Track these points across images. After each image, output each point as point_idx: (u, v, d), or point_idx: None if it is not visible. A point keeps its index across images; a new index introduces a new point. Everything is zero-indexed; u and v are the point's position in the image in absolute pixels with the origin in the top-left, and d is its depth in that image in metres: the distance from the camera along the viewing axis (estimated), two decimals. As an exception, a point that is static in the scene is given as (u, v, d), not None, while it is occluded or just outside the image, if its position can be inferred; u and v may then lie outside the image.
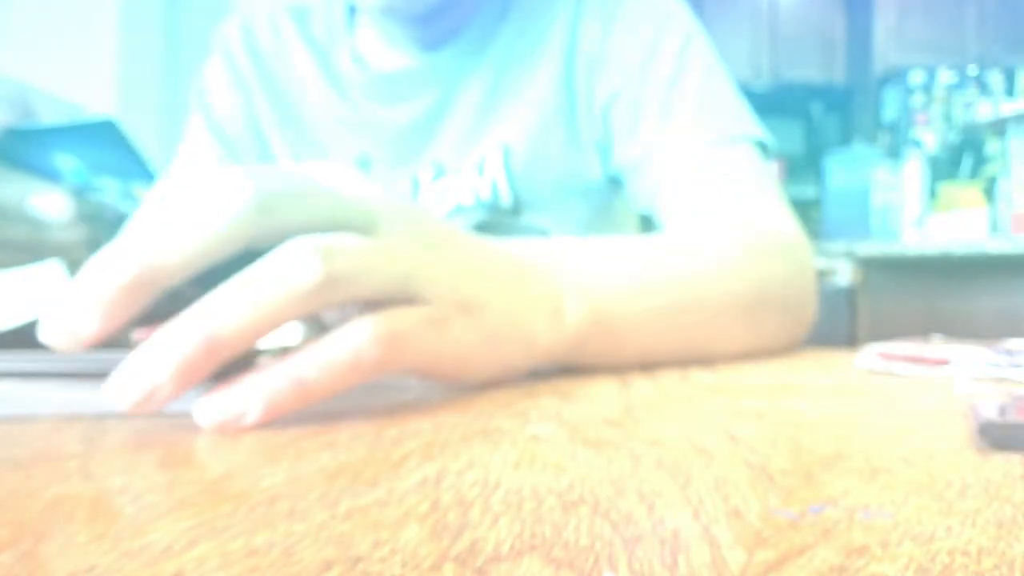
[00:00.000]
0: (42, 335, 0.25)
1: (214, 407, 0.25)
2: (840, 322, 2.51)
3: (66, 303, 0.25)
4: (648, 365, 0.44)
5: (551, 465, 0.20)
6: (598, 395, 0.32)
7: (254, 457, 0.21)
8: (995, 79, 3.28)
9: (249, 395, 0.25)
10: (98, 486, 0.18)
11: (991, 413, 0.24)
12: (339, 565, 0.13)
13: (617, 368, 0.42)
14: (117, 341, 0.26)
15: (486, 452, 0.22)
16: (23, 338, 0.28)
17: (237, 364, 0.30)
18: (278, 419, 0.26)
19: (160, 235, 0.25)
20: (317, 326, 0.36)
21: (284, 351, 0.28)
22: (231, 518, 0.16)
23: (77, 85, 2.31)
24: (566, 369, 0.42)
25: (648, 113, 0.65)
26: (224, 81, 0.78)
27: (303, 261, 0.26)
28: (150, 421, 0.27)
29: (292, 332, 0.38)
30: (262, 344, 0.27)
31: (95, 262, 0.25)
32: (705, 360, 0.47)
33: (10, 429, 0.25)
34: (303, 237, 0.27)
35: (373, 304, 0.29)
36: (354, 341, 0.27)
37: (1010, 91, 3.26)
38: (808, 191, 3.41)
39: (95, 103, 2.31)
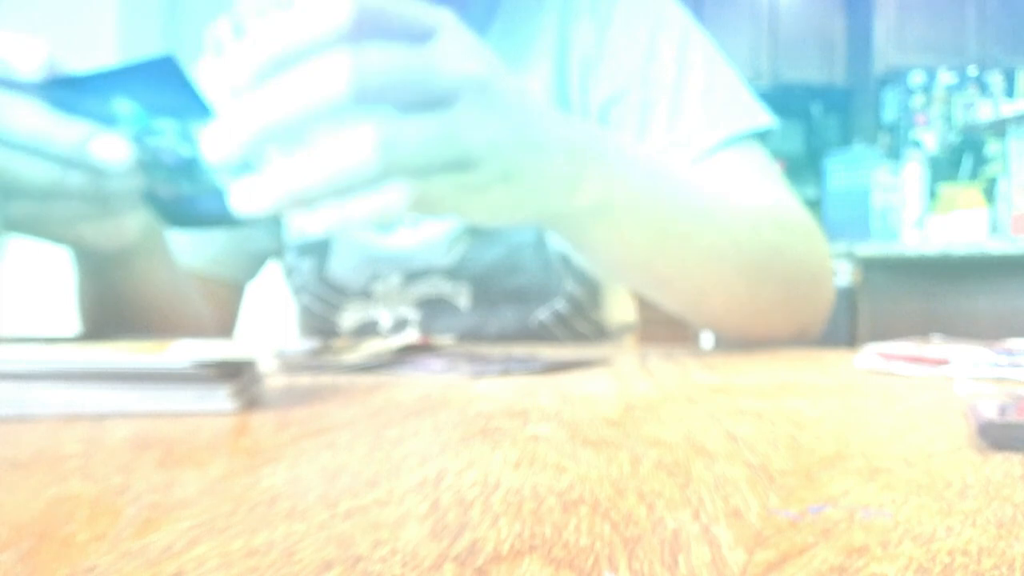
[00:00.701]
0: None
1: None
2: (840, 322, 2.51)
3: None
4: (639, 277, 0.49)
5: (551, 465, 0.20)
6: (598, 395, 0.32)
7: (254, 457, 0.21)
8: (995, 79, 3.28)
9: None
10: (98, 486, 0.18)
11: (991, 413, 0.24)
12: (339, 565, 0.13)
13: (613, 269, 0.47)
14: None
15: (486, 452, 0.22)
16: None
17: (239, 365, 0.30)
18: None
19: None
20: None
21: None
22: (231, 518, 0.16)
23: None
24: (566, 368, 0.42)
25: (656, 115, 0.65)
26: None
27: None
28: (150, 421, 0.27)
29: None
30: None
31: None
32: (698, 302, 0.50)
33: (10, 429, 0.25)
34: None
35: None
36: (357, 137, 0.33)
37: (1010, 91, 3.26)
38: (808, 191, 3.40)
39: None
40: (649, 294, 0.52)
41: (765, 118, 0.65)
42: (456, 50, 0.35)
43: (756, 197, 0.60)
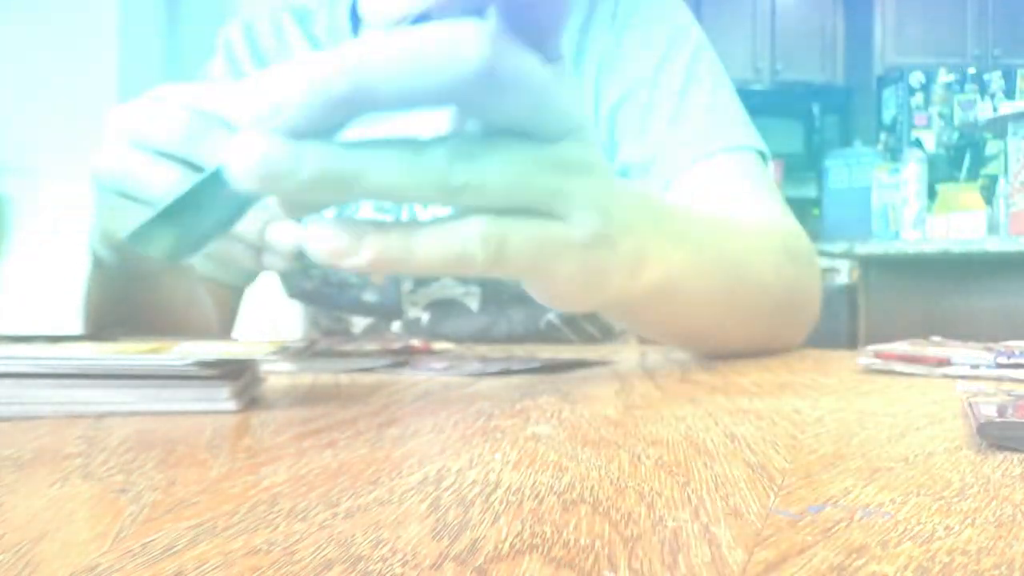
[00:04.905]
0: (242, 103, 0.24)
1: (327, 236, 0.25)
2: (840, 322, 2.50)
3: (269, 77, 0.24)
4: (681, 342, 0.47)
5: (551, 464, 0.20)
6: (598, 395, 0.32)
7: (254, 457, 0.21)
8: (995, 79, 3.28)
9: (363, 239, 0.26)
10: (98, 486, 0.18)
11: (991, 413, 0.24)
12: (340, 564, 0.13)
13: (659, 337, 0.44)
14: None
15: (486, 451, 0.22)
16: None
17: (240, 365, 0.30)
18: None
19: (378, 50, 0.24)
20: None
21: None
22: (231, 518, 0.16)
23: (78, 85, 2.31)
24: (566, 368, 0.42)
25: (659, 116, 0.66)
26: (226, 81, 0.78)
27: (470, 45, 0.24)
28: (151, 421, 0.27)
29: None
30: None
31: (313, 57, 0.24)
32: (723, 351, 0.48)
33: (10, 429, 0.25)
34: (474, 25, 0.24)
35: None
36: (463, 234, 0.27)
37: (1010, 91, 3.26)
38: (808, 191, 3.41)
39: (96, 103, 2.31)
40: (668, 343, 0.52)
41: (759, 143, 0.66)
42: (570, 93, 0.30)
43: (759, 213, 0.60)
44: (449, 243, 0.27)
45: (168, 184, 0.39)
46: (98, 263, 0.53)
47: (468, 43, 0.24)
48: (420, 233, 0.27)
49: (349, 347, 0.45)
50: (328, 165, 0.25)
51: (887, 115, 3.46)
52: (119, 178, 0.39)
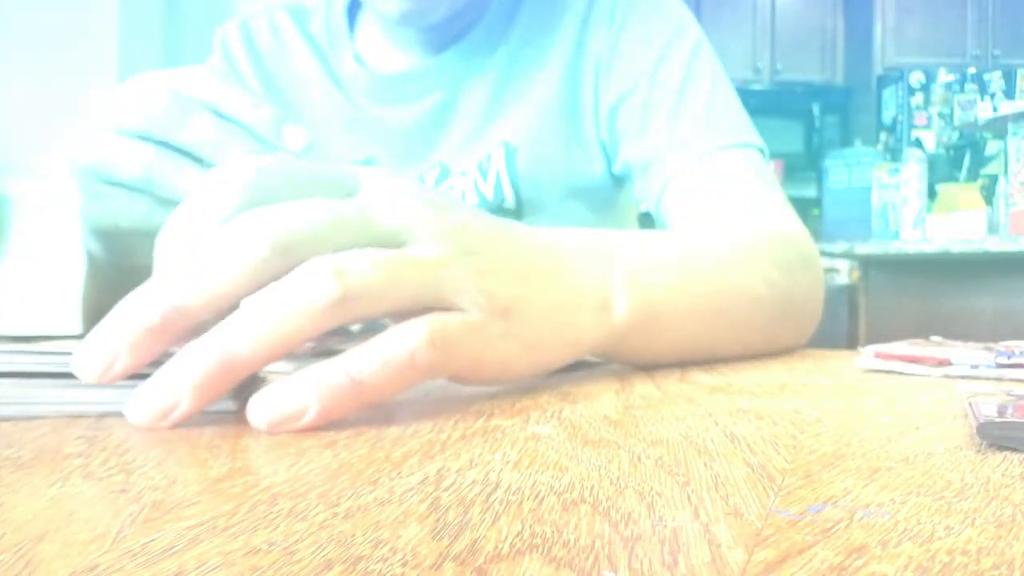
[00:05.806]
0: (74, 369, 0.26)
1: (269, 405, 0.25)
2: (840, 322, 2.51)
3: (96, 341, 0.26)
4: (678, 362, 0.45)
5: (551, 464, 0.20)
6: (598, 395, 0.32)
7: (254, 457, 0.21)
8: (995, 79, 3.28)
9: (306, 393, 0.25)
10: (98, 486, 0.18)
11: (991, 413, 0.24)
12: (340, 564, 0.13)
13: (651, 363, 0.42)
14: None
15: (486, 451, 0.22)
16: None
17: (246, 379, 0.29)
18: (335, 421, 0.25)
19: (183, 280, 0.26)
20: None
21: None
22: (231, 518, 0.16)
23: (77, 85, 2.31)
24: (567, 369, 0.42)
25: (659, 113, 0.66)
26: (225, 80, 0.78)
27: (317, 281, 0.26)
28: (150, 421, 0.27)
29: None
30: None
31: (124, 303, 0.27)
32: (724, 360, 0.47)
33: (10, 429, 0.25)
34: (318, 257, 0.27)
35: (408, 312, 0.29)
36: (409, 343, 0.27)
37: (1010, 91, 3.26)
38: (808, 191, 3.41)
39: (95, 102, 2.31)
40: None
41: (759, 141, 0.66)
42: (388, 195, 0.29)
43: (751, 213, 0.60)
44: (398, 357, 0.27)
45: (143, 164, 0.39)
46: (91, 259, 0.53)
47: (319, 283, 0.26)
48: (365, 359, 0.27)
49: (348, 346, 0.45)
50: None
51: (887, 115, 3.46)
52: (99, 163, 0.40)
